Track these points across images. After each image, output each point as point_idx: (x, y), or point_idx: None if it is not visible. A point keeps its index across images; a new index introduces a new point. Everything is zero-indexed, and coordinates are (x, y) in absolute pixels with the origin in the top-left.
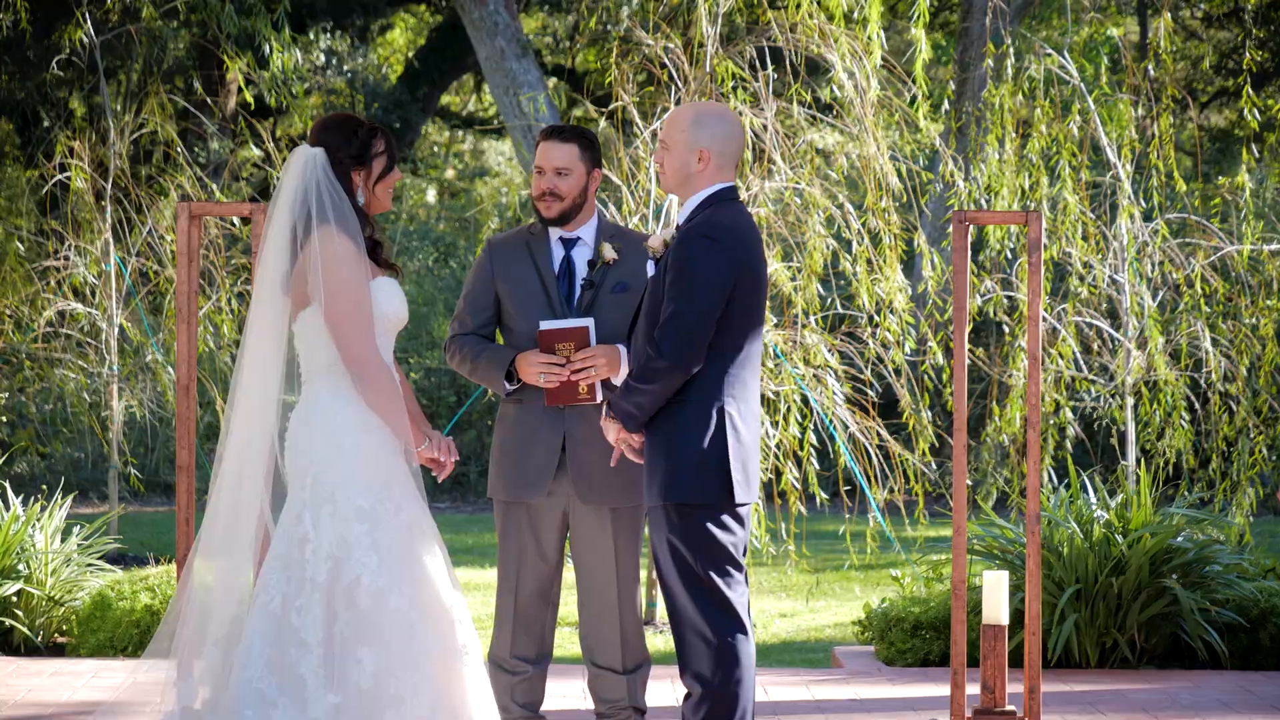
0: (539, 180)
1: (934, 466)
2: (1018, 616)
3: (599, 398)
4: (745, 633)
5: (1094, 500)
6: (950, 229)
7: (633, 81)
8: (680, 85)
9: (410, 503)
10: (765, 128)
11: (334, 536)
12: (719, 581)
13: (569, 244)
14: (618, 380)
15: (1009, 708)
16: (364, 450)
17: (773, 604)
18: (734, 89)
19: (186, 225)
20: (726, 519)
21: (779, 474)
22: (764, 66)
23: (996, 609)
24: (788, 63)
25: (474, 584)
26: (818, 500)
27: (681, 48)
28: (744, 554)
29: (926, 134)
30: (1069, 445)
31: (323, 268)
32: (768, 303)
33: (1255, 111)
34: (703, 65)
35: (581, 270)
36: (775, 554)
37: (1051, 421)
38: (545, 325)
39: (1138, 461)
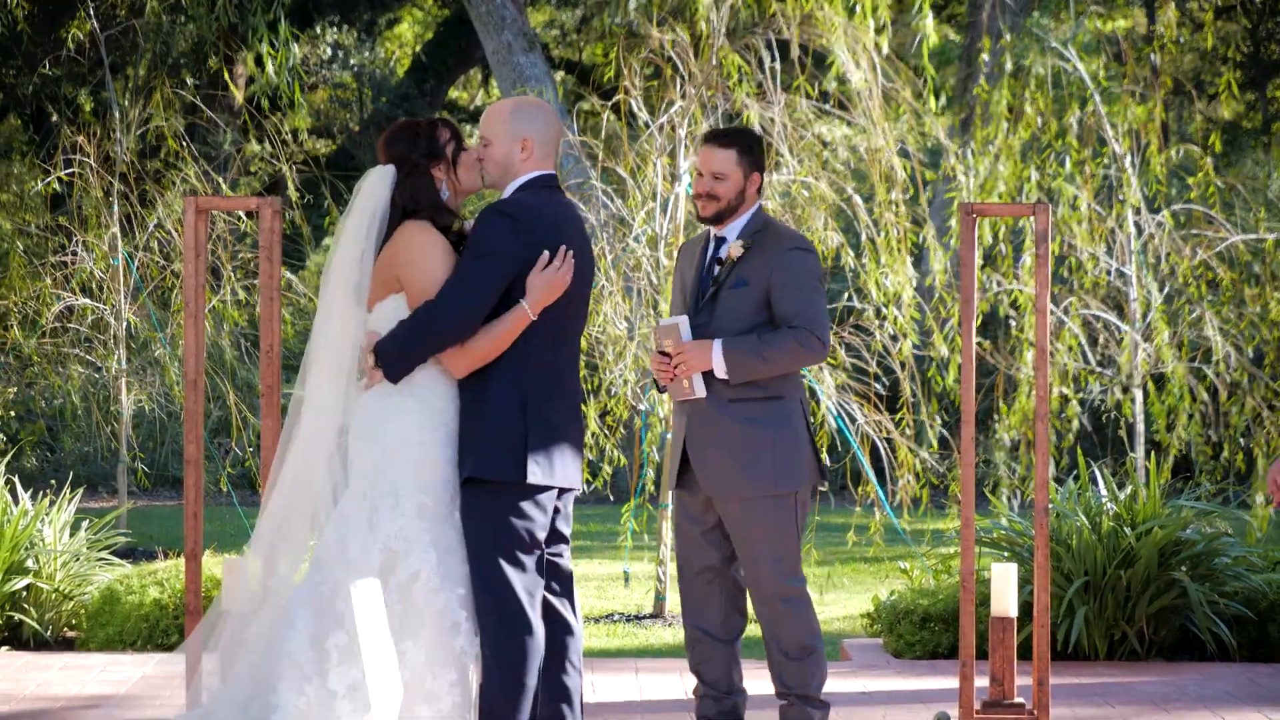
0: (697, 182)
1: (940, 459)
2: (1026, 609)
3: (699, 392)
4: (530, 630)
5: (1103, 492)
6: (955, 222)
7: (639, 75)
8: (686, 78)
9: (457, 505)
10: (773, 121)
11: (393, 530)
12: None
13: (720, 243)
14: (719, 374)
15: (1018, 700)
16: (430, 448)
17: None
18: (739, 81)
19: (193, 219)
20: (523, 503)
21: None
22: (771, 59)
23: (1004, 601)
24: (795, 55)
25: None
26: (829, 493)
27: (688, 41)
28: (541, 541)
29: (930, 128)
30: (1072, 437)
31: (411, 262)
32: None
33: (1235, 100)
34: (708, 58)
35: (717, 268)
36: None
37: (1062, 415)
38: (661, 322)
39: (1146, 453)
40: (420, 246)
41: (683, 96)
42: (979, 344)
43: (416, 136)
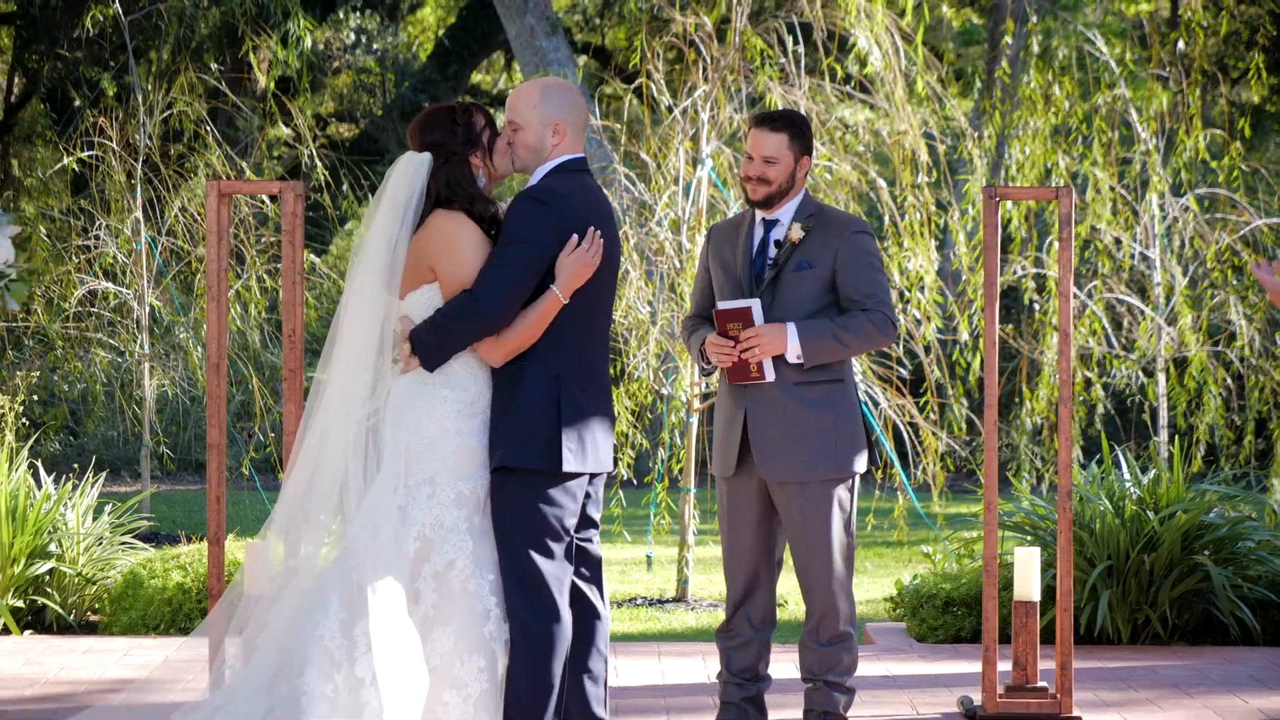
0: (747, 165)
1: (964, 443)
2: (1049, 593)
3: (769, 376)
4: (558, 618)
5: (1126, 476)
6: (978, 206)
7: (662, 59)
8: (708, 62)
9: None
10: (795, 104)
11: (430, 518)
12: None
13: (769, 226)
14: (793, 358)
15: (1041, 684)
16: (467, 435)
17: None
18: (762, 65)
19: (216, 203)
20: (553, 491)
21: None
22: (794, 43)
23: (1028, 585)
24: (818, 39)
25: None
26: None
27: (710, 25)
28: (571, 528)
29: (951, 110)
30: (1098, 422)
31: (445, 254)
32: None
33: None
34: (731, 42)
35: (774, 251)
36: None
37: (1081, 399)
38: (721, 306)
39: (1169, 437)
40: (454, 236)
41: (705, 80)
42: (1001, 328)
43: (453, 124)
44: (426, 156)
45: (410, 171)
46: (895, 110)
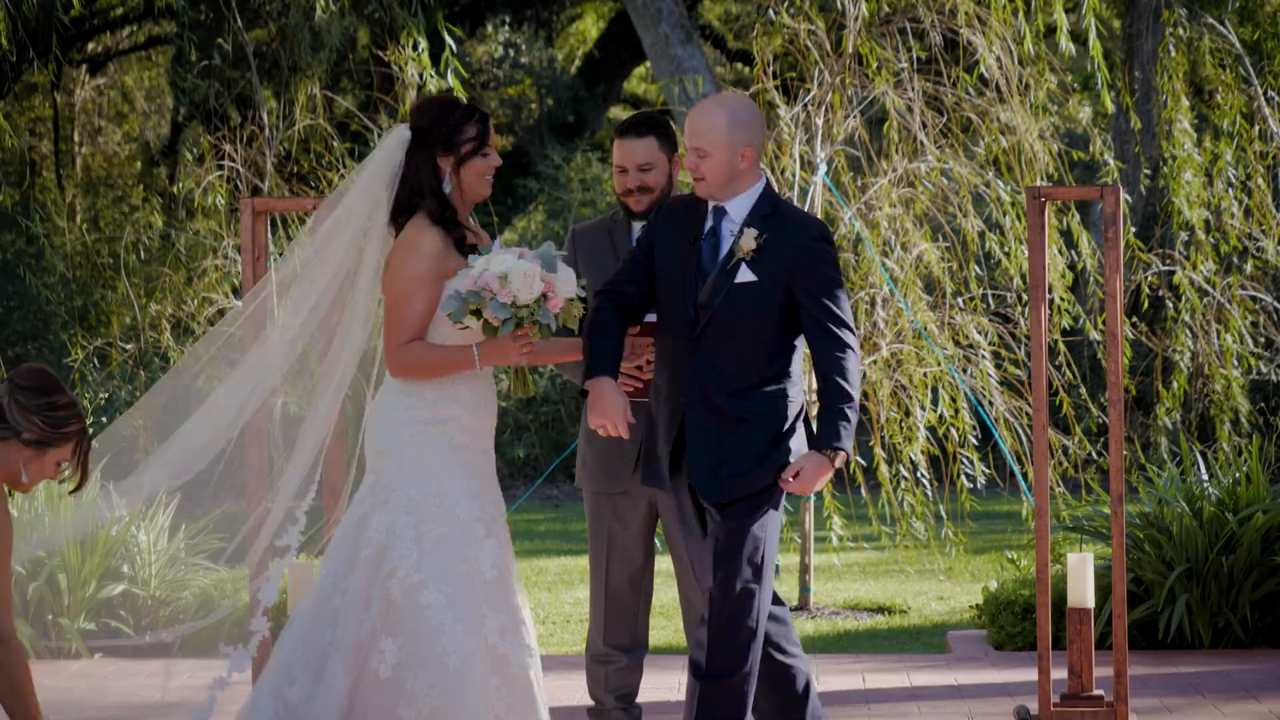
0: (623, 178)
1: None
2: (1129, 599)
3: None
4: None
5: (1205, 477)
6: (1100, 207)
7: (779, 63)
8: (824, 67)
9: (469, 501)
10: (910, 109)
11: (384, 524)
12: None
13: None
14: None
15: (1097, 692)
16: (421, 442)
17: (932, 586)
18: (878, 69)
19: (250, 221)
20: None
21: (943, 456)
22: (908, 48)
23: (1081, 592)
24: (933, 43)
25: None
26: (977, 482)
27: (824, 30)
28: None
29: (1074, 110)
30: (1246, 422)
31: (394, 255)
32: (917, 282)
33: None
34: (846, 46)
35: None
36: (940, 538)
37: (1207, 399)
38: (649, 318)
39: (1249, 437)
40: (407, 241)
41: (819, 86)
42: (1135, 326)
43: (442, 118)
44: (407, 135)
45: (393, 145)
46: (1014, 114)
